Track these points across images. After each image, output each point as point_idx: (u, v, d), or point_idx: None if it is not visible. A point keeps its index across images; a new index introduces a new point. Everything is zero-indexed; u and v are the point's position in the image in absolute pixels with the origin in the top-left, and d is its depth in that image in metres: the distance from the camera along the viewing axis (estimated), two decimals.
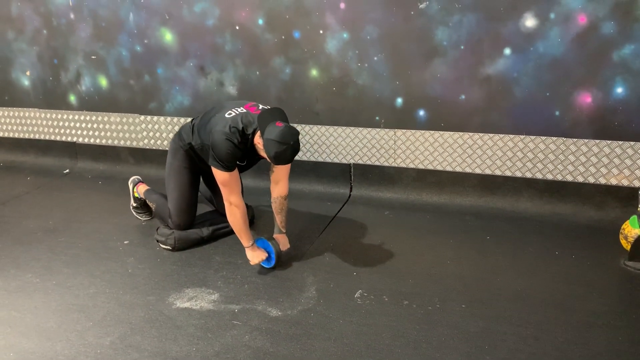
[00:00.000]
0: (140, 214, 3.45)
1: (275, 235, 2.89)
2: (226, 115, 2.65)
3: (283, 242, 2.88)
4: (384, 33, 3.37)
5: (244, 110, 2.67)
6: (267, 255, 2.76)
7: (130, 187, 3.44)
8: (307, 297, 2.55)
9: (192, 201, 3.07)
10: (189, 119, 3.07)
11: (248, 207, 3.26)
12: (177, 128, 4.14)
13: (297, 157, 3.86)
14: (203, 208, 3.33)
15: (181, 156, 3.01)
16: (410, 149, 3.55)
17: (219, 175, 2.64)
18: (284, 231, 2.91)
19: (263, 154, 2.58)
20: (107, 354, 2.20)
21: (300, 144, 2.72)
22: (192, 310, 2.48)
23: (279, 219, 2.89)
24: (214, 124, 2.66)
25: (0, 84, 4.66)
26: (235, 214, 2.71)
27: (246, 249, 2.78)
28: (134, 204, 3.43)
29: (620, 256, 2.77)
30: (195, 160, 3.01)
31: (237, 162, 2.67)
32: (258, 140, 2.58)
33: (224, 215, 3.19)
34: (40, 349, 2.24)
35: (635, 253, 2.67)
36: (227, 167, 2.61)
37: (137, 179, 3.47)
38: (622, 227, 2.85)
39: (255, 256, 2.74)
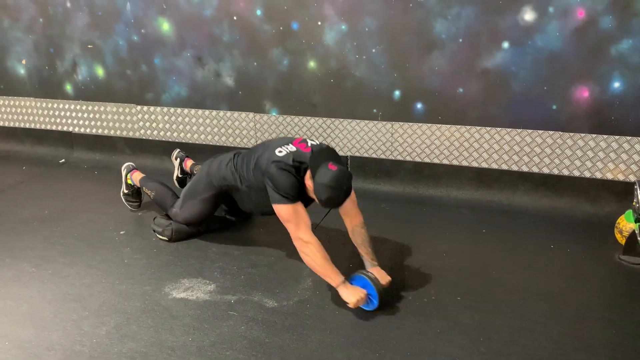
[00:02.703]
0: (131, 202, 3.43)
1: (370, 269, 2.46)
2: (277, 153, 2.50)
3: (381, 275, 2.42)
4: (383, 25, 3.36)
5: (294, 148, 2.52)
6: (366, 293, 2.31)
7: (124, 173, 3.41)
8: (303, 288, 2.56)
9: (205, 218, 3.01)
10: (230, 154, 2.85)
11: (233, 222, 3.18)
12: (173, 119, 4.12)
13: None
14: None
15: (215, 192, 2.86)
16: (408, 142, 3.55)
17: (282, 210, 2.43)
18: (376, 263, 2.52)
19: (312, 195, 2.42)
20: (103, 343, 2.20)
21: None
22: (188, 301, 2.48)
23: (364, 251, 2.54)
24: (266, 162, 2.51)
25: None
26: (310, 251, 2.38)
27: (339, 289, 2.34)
28: (126, 191, 3.40)
29: (615, 250, 2.79)
30: (228, 197, 2.90)
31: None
32: (309, 183, 2.42)
33: (227, 215, 3.19)
34: (36, 338, 2.24)
35: (630, 247, 2.69)
36: (291, 198, 2.41)
37: (132, 165, 3.45)
38: (617, 222, 2.86)
39: (354, 295, 2.28)
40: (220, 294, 2.53)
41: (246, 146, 3.97)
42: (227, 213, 3.18)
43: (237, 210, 3.12)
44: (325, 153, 2.44)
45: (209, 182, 2.87)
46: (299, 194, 2.45)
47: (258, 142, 2.81)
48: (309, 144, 2.57)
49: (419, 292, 2.49)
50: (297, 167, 2.46)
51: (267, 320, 2.32)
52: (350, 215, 2.59)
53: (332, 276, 2.35)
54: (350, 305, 2.28)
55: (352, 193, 2.51)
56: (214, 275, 2.69)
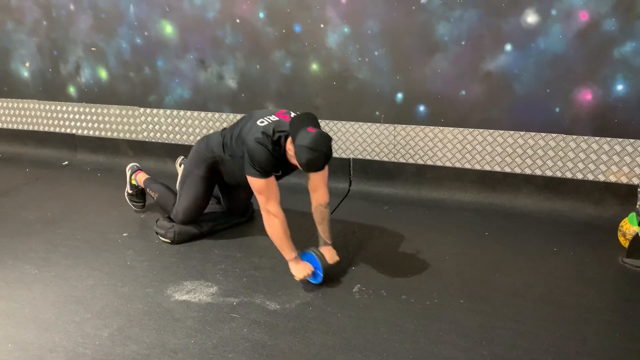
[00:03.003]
0: (135, 203, 3.44)
1: (321, 248, 2.65)
2: (258, 123, 2.57)
3: (330, 254, 2.62)
4: (385, 28, 3.36)
5: (276, 118, 2.59)
6: (312, 269, 2.54)
7: (128, 173, 3.42)
8: (305, 290, 2.56)
9: (203, 207, 3.05)
10: (219, 130, 2.97)
11: (250, 204, 3.25)
12: (176, 121, 4.13)
13: None
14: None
15: (204, 168, 2.93)
16: (410, 144, 3.55)
17: (255, 183, 2.54)
18: (330, 242, 2.70)
19: (294, 160, 2.48)
20: (105, 345, 2.20)
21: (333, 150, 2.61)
22: (191, 303, 2.48)
23: (321, 230, 2.70)
24: (246, 133, 2.59)
25: None
26: (274, 223, 2.55)
27: (289, 263, 2.57)
28: (130, 191, 3.42)
29: (618, 253, 2.78)
30: (217, 172, 2.95)
31: (273, 168, 2.57)
32: (289, 147, 2.49)
33: (229, 213, 3.20)
34: (39, 340, 2.25)
35: (634, 250, 2.68)
36: (263, 173, 2.51)
37: (136, 166, 3.46)
38: (620, 225, 2.85)
39: (300, 270, 2.52)
40: (223, 296, 2.53)
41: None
42: (229, 212, 3.22)
43: (238, 209, 3.17)
44: (304, 118, 2.49)
45: (199, 158, 2.94)
46: (274, 167, 2.56)
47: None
48: (292, 115, 2.63)
49: (422, 295, 2.49)
50: (278, 137, 2.53)
51: (270, 323, 2.32)
52: (318, 192, 2.69)
53: (286, 250, 2.56)
54: (297, 279, 2.53)
55: (326, 171, 2.64)
56: (217, 277, 2.69)
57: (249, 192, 3.09)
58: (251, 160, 2.52)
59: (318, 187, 2.68)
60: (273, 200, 2.55)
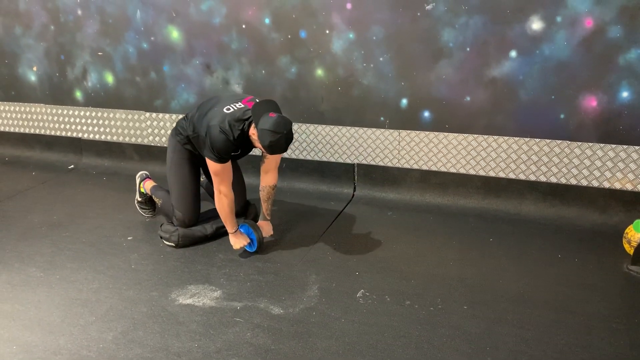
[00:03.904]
0: (144, 210, 3.46)
1: (259, 222, 3.03)
2: (224, 110, 2.71)
3: (267, 229, 3.02)
4: (390, 34, 3.37)
5: (242, 106, 2.73)
6: (249, 240, 2.92)
7: (137, 181, 3.45)
8: (309, 295, 2.56)
9: (193, 193, 3.09)
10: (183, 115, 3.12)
11: (251, 205, 3.28)
12: None
13: (301, 156, 3.87)
14: (207, 205, 3.34)
15: (180, 150, 3.04)
16: (415, 150, 3.56)
17: (212, 165, 2.73)
18: (269, 218, 3.06)
19: (258, 144, 2.65)
20: (109, 348, 2.21)
21: (294, 133, 2.86)
22: (195, 307, 2.49)
23: (264, 207, 3.04)
24: (212, 117, 2.72)
25: (7, 79, 4.69)
26: (223, 202, 2.81)
27: (230, 235, 2.92)
28: (139, 199, 3.44)
29: (623, 260, 2.77)
30: (194, 152, 3.05)
31: (231, 154, 2.74)
32: (253, 132, 2.64)
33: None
34: (43, 343, 2.26)
35: (639, 257, 2.67)
36: (221, 159, 2.70)
37: (145, 174, 3.49)
38: (625, 231, 2.85)
39: (238, 242, 2.89)
40: (227, 300, 2.54)
41: (253, 153, 3.97)
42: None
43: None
44: (265, 104, 2.63)
45: (173, 142, 3.07)
46: (234, 151, 2.73)
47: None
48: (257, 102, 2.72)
49: (425, 301, 2.49)
50: (242, 125, 2.67)
51: (273, 327, 2.32)
52: (269, 174, 2.98)
53: (229, 225, 2.89)
54: (234, 248, 2.89)
55: (279, 156, 2.92)
56: (221, 281, 2.70)
57: (243, 188, 3.21)
58: (211, 146, 2.67)
59: (270, 170, 2.97)
60: (226, 182, 2.78)
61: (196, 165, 3.11)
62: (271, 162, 2.96)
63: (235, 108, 2.72)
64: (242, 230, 2.95)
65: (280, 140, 2.51)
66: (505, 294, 2.52)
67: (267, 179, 2.99)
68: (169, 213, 3.15)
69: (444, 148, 3.48)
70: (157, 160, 4.32)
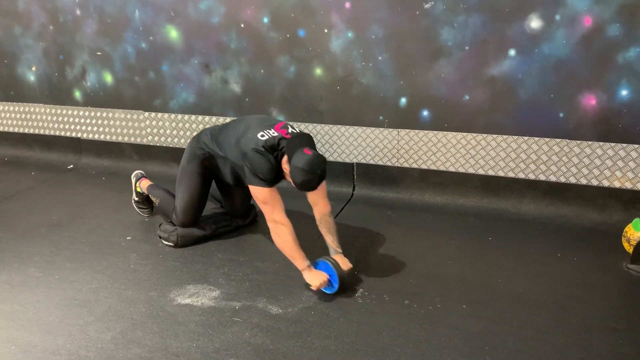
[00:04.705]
0: (142, 209, 3.46)
1: (333, 256, 2.61)
2: (259, 136, 2.58)
3: (342, 262, 2.58)
4: (389, 33, 3.37)
5: (276, 134, 2.60)
6: (328, 276, 2.48)
7: (133, 181, 3.44)
8: (308, 295, 2.56)
9: (200, 205, 3.07)
10: (207, 127, 3.03)
11: (252, 206, 3.26)
12: (180, 125, 4.15)
13: None
14: (207, 205, 3.33)
15: (197, 163, 2.96)
16: (414, 149, 3.55)
17: (259, 192, 2.55)
18: (340, 250, 2.66)
19: (289, 179, 2.55)
20: (108, 348, 2.21)
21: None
22: (193, 307, 2.48)
23: (330, 239, 2.68)
24: (246, 143, 2.60)
25: (6, 79, 4.69)
26: (282, 232, 2.52)
27: (303, 272, 2.51)
28: (136, 199, 3.44)
29: (622, 259, 2.77)
30: (210, 168, 2.98)
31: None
32: (285, 166, 2.54)
33: (231, 216, 3.21)
34: (42, 343, 2.26)
35: (638, 256, 2.67)
36: (267, 182, 2.54)
37: (140, 173, 3.48)
38: (624, 230, 2.84)
39: (317, 278, 2.45)
40: (225, 300, 2.53)
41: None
42: (230, 213, 3.22)
43: (239, 211, 3.19)
44: (301, 138, 2.56)
45: (191, 153, 2.98)
46: (275, 178, 2.58)
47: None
48: (289, 131, 2.65)
49: (424, 300, 2.48)
50: (276, 153, 2.58)
51: (272, 327, 2.32)
52: (319, 204, 2.70)
53: (299, 260, 2.50)
54: (313, 288, 2.45)
55: (324, 183, 2.63)
56: (219, 281, 2.70)
57: (249, 193, 3.09)
58: (254, 171, 2.53)
59: (319, 199, 2.70)
60: (278, 208, 2.54)
61: (209, 180, 3.06)
62: (319, 192, 2.66)
63: (269, 135, 2.59)
64: (317, 268, 2.53)
65: (313, 180, 2.43)
66: (505, 293, 2.52)
67: (319, 208, 2.70)
68: (168, 212, 3.14)
69: (443, 147, 3.48)
70: (157, 159, 4.32)
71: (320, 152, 2.66)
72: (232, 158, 2.74)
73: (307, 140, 2.57)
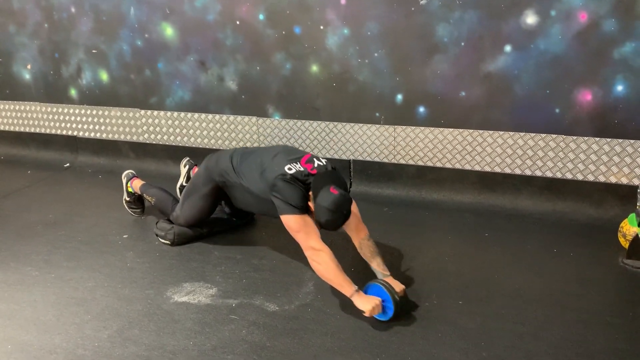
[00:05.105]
0: (134, 209, 3.44)
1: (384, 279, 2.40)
2: (286, 169, 2.52)
3: (395, 284, 2.37)
4: (385, 29, 3.36)
5: (302, 169, 2.54)
6: (381, 301, 2.27)
7: (124, 181, 3.43)
8: (304, 292, 2.56)
9: (205, 219, 3.05)
10: (228, 150, 2.93)
11: (236, 224, 3.20)
12: (177, 123, 4.14)
13: None
14: None
15: (212, 188, 2.89)
16: (410, 146, 3.55)
17: (292, 221, 2.44)
18: (388, 273, 2.47)
19: (313, 216, 2.47)
20: (105, 347, 2.21)
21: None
22: (190, 305, 2.48)
23: (375, 263, 2.50)
24: (273, 175, 2.52)
25: (1, 77, 4.67)
26: (323, 260, 2.35)
27: (353, 298, 2.28)
28: (128, 199, 3.42)
29: (618, 254, 2.77)
30: (223, 193, 2.91)
31: None
32: (310, 203, 2.48)
33: (230, 216, 3.19)
34: (39, 342, 2.26)
35: (634, 251, 2.67)
36: (300, 209, 2.44)
37: (132, 173, 3.47)
38: (620, 225, 2.85)
39: (368, 302, 2.24)
40: (222, 297, 2.53)
41: None
42: (231, 215, 3.19)
43: (240, 212, 3.14)
44: (328, 176, 2.49)
45: (207, 176, 2.89)
46: (306, 206, 2.48)
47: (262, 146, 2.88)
48: (316, 165, 2.58)
49: (421, 296, 2.49)
50: (303, 187, 2.51)
51: (269, 324, 2.32)
52: (356, 230, 2.57)
53: (345, 285, 2.30)
54: (366, 314, 2.23)
55: (355, 208, 2.56)
56: (216, 279, 2.70)
57: None
58: (286, 199, 2.45)
59: (355, 226, 2.58)
60: (314, 235, 2.41)
61: (218, 201, 3.02)
62: (352, 215, 2.52)
63: (296, 169, 2.52)
64: (369, 293, 2.33)
65: (338, 220, 2.37)
66: (501, 289, 2.53)
67: (357, 233, 2.57)
68: (166, 211, 3.14)
69: (440, 143, 3.48)
70: (153, 157, 4.31)
71: (345, 187, 2.55)
72: (256, 190, 2.65)
73: (333, 177, 2.50)
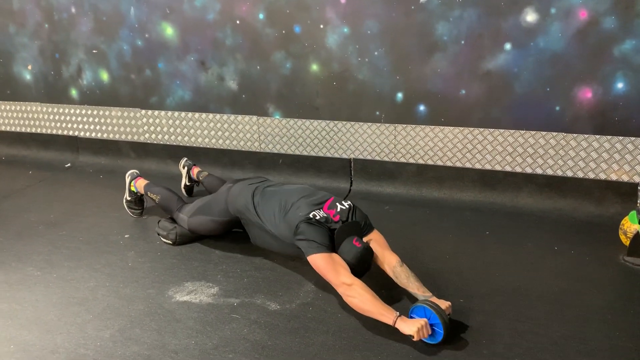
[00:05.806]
0: (133, 210, 3.44)
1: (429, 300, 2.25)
2: (310, 216, 2.50)
3: (440, 302, 2.22)
4: (385, 28, 3.36)
5: (325, 214, 2.53)
6: (426, 320, 2.13)
7: (128, 180, 3.43)
8: (306, 291, 2.56)
9: (210, 233, 3.03)
10: (247, 183, 2.88)
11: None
12: (177, 122, 4.14)
13: (297, 152, 3.87)
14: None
15: (228, 220, 2.89)
16: (411, 144, 3.55)
17: (320, 260, 2.36)
18: (430, 294, 2.31)
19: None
20: (106, 346, 2.22)
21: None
22: (192, 304, 2.49)
23: (414, 287, 2.34)
24: (296, 219, 2.51)
25: (2, 78, 4.68)
26: (357, 293, 2.23)
27: (397, 325, 2.14)
28: (129, 198, 3.42)
29: (619, 252, 2.78)
30: (237, 224, 2.91)
31: None
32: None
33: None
34: (41, 342, 2.26)
35: (634, 248, 2.67)
36: (327, 247, 2.39)
37: (136, 173, 3.47)
38: (621, 223, 2.85)
39: (414, 324, 2.11)
40: (224, 297, 2.54)
41: (249, 149, 3.99)
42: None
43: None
44: (351, 226, 2.49)
45: (225, 209, 2.86)
46: (333, 246, 2.44)
47: (285, 183, 2.85)
48: (338, 210, 2.56)
49: None
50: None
51: (270, 323, 2.33)
52: (387, 262, 2.47)
53: (385, 314, 2.17)
54: (415, 339, 2.10)
55: (381, 238, 2.57)
56: (217, 278, 2.70)
57: None
58: (310, 240, 2.41)
59: (384, 257, 2.48)
60: (343, 271, 2.32)
61: (231, 228, 3.00)
62: (377, 248, 2.49)
63: (320, 216, 2.51)
64: (415, 315, 2.19)
65: (360, 272, 2.39)
66: (501, 287, 2.53)
67: (388, 261, 2.45)
68: (170, 210, 3.13)
69: (440, 142, 3.48)
70: (154, 157, 4.32)
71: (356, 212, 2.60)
72: (277, 234, 2.61)
73: (356, 228, 2.50)
